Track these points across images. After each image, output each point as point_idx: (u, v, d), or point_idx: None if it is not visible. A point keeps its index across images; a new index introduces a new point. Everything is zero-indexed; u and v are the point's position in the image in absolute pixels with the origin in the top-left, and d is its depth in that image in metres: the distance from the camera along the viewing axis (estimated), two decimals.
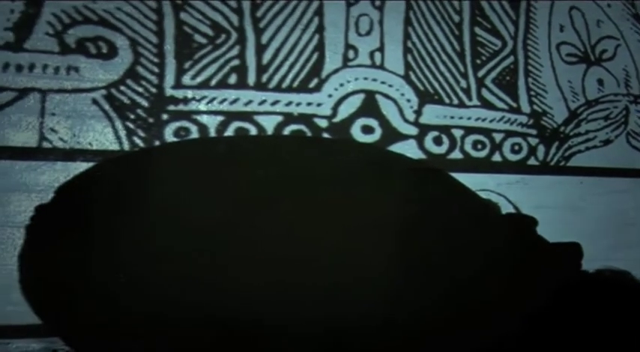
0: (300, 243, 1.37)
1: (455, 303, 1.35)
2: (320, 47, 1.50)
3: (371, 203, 1.39)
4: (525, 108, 1.67)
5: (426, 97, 1.57)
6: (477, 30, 1.65)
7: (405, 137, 1.54)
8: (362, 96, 1.51)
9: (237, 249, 1.33)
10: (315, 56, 1.49)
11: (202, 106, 1.40)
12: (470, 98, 1.61)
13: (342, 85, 1.50)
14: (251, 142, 1.39)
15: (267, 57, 1.46)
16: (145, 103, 1.37)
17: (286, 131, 1.45)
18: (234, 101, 1.43)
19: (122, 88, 1.35)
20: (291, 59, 1.47)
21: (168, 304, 1.29)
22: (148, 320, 1.27)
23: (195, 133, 1.39)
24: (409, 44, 1.58)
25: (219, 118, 1.41)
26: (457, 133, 1.58)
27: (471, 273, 1.34)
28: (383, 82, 1.53)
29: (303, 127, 1.46)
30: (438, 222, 1.39)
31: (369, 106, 1.51)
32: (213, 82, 1.41)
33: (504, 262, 1.30)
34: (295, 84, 1.47)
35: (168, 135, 1.38)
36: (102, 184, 1.31)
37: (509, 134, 1.64)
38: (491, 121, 1.62)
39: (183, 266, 1.30)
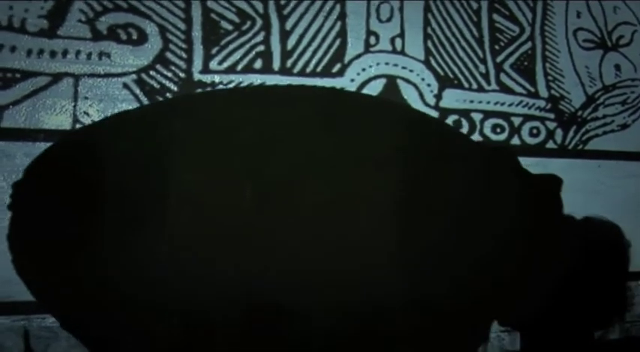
0: (322, 228, 1.39)
1: (473, 283, 1.37)
2: (342, 33, 1.54)
3: (391, 188, 1.41)
4: (543, 92, 1.69)
5: (446, 82, 1.60)
6: (495, 16, 1.68)
7: None
8: (383, 80, 1.55)
9: (260, 233, 1.35)
10: (337, 42, 1.53)
11: None
12: (489, 83, 1.64)
13: (364, 69, 1.54)
14: (271, 120, 1.40)
15: (291, 43, 1.50)
16: (174, 88, 1.41)
17: None
18: None
19: (152, 72, 1.40)
20: (315, 45, 1.51)
21: (185, 287, 1.31)
22: (147, 307, 1.29)
23: None
24: (429, 30, 1.61)
25: None
26: (476, 117, 1.62)
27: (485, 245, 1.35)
28: (404, 67, 1.57)
29: None
30: (453, 204, 1.42)
31: (391, 91, 1.55)
32: (240, 67, 1.45)
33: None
34: (319, 69, 1.51)
35: None
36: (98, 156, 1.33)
37: (527, 118, 1.67)
38: (509, 105, 1.65)
39: (207, 250, 1.33)
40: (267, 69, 1.47)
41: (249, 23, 1.47)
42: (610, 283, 1.13)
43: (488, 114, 1.62)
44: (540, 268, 1.14)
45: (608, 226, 1.14)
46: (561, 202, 1.23)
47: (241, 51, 1.46)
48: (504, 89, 1.65)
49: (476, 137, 1.61)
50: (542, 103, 1.69)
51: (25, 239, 1.26)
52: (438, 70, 1.60)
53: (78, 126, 1.35)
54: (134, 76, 1.39)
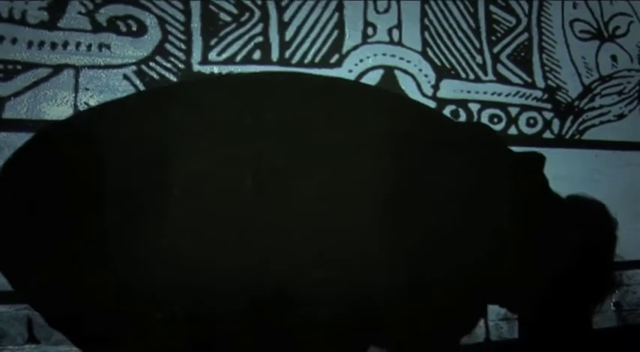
0: (321, 217, 1.40)
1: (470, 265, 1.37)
2: (340, 24, 1.55)
3: (389, 177, 1.42)
4: (540, 83, 1.71)
5: (443, 72, 1.61)
6: (492, 7, 1.69)
7: None
8: (381, 71, 1.56)
9: (261, 223, 1.36)
10: (335, 33, 1.54)
11: None
12: (486, 73, 1.65)
13: (361, 60, 1.55)
14: (275, 105, 1.41)
15: (289, 34, 1.51)
16: (173, 79, 1.42)
17: None
18: None
19: (152, 64, 1.41)
20: (313, 36, 1.52)
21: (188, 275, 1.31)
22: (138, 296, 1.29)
23: None
24: (426, 21, 1.62)
25: None
26: (474, 107, 1.63)
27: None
28: (401, 58, 1.58)
29: None
30: (451, 192, 1.43)
31: (388, 81, 1.56)
32: (238, 58, 1.47)
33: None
34: (317, 60, 1.52)
35: None
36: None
37: (524, 108, 1.68)
38: (506, 96, 1.67)
39: (207, 241, 1.33)
40: (265, 60, 1.48)
41: (247, 15, 1.49)
42: (599, 260, 1.14)
43: (485, 105, 1.64)
44: (534, 247, 1.15)
45: (595, 205, 1.15)
46: (546, 179, 1.24)
47: (240, 42, 1.47)
48: (501, 80, 1.67)
49: None
50: (539, 94, 1.70)
51: (8, 236, 1.26)
52: (435, 60, 1.61)
53: None
54: (134, 68, 1.40)
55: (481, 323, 1.61)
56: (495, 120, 1.64)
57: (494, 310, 1.65)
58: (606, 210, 1.15)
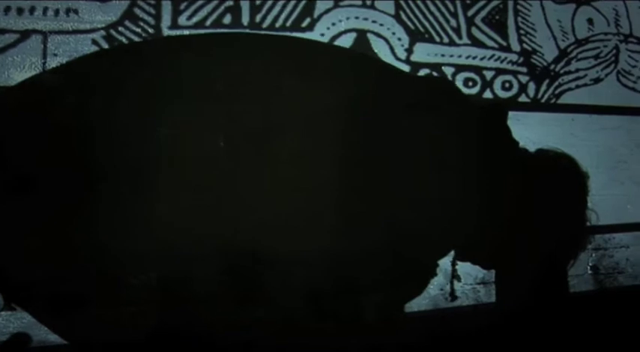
0: (295, 177, 1.40)
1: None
2: None
3: (362, 136, 1.42)
4: (515, 46, 1.70)
5: (417, 36, 1.60)
6: None
7: None
8: (354, 35, 1.55)
9: (235, 184, 1.36)
10: None
11: None
12: (460, 37, 1.64)
13: (334, 24, 1.54)
14: (249, 72, 1.41)
15: None
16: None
17: None
18: None
19: (120, 28, 1.40)
20: None
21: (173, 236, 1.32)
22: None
23: None
24: None
25: None
26: (448, 71, 1.62)
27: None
28: (374, 21, 1.57)
29: None
30: (425, 150, 1.43)
31: (361, 45, 1.55)
32: (209, 22, 1.45)
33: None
34: (288, 23, 1.50)
35: None
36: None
37: (499, 72, 1.67)
38: (481, 59, 1.66)
39: (186, 202, 1.33)
40: (236, 24, 1.47)
41: None
42: (570, 212, 1.14)
43: (459, 68, 1.63)
44: (502, 201, 1.16)
45: (564, 157, 1.15)
46: (509, 129, 1.24)
47: (210, 6, 1.46)
48: (476, 43, 1.66)
49: None
50: (514, 57, 1.69)
51: None
52: (409, 24, 1.60)
53: None
54: (103, 33, 1.39)
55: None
56: (470, 83, 1.64)
57: (471, 274, 1.65)
58: (576, 163, 1.16)
